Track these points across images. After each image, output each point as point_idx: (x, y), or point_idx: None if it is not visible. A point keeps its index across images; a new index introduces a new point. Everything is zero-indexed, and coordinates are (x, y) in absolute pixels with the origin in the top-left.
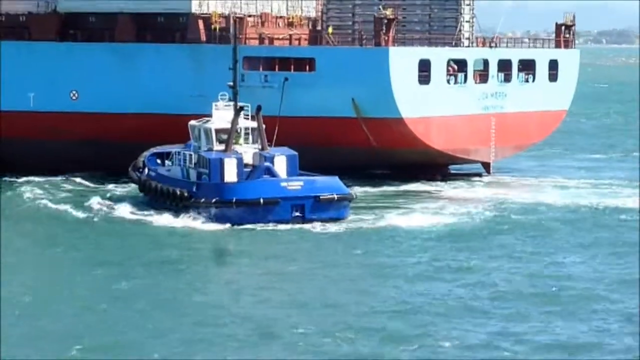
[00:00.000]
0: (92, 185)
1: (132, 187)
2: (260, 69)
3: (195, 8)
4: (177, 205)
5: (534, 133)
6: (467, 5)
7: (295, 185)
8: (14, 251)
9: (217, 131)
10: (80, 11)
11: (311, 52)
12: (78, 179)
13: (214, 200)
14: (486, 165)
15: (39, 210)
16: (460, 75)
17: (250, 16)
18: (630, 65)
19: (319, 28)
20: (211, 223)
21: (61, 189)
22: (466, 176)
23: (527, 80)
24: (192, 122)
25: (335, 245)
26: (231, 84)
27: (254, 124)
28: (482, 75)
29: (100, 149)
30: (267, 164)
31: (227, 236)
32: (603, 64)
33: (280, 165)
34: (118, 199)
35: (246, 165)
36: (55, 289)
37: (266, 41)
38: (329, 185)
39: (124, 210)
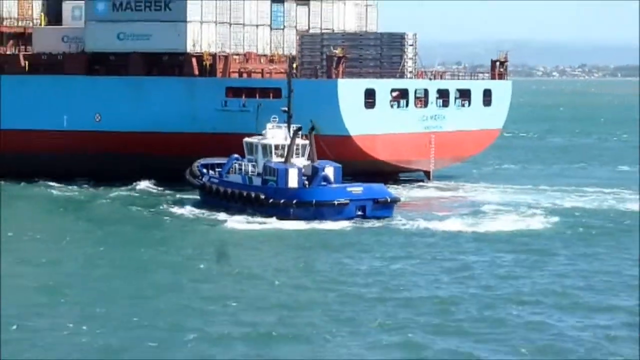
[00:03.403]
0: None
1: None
2: (243, 96)
3: (190, 48)
4: (253, 205)
5: (470, 148)
6: (411, 45)
7: (358, 190)
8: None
9: (276, 147)
10: (102, 51)
11: (278, 83)
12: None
13: (294, 201)
14: (427, 173)
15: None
16: (403, 101)
17: (237, 54)
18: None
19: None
20: (291, 220)
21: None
22: (412, 181)
23: (463, 105)
24: (248, 139)
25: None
26: (285, 108)
27: (306, 142)
28: (423, 101)
29: (118, 160)
30: (324, 173)
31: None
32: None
33: (329, 174)
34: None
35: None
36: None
37: (245, 75)
38: (380, 190)
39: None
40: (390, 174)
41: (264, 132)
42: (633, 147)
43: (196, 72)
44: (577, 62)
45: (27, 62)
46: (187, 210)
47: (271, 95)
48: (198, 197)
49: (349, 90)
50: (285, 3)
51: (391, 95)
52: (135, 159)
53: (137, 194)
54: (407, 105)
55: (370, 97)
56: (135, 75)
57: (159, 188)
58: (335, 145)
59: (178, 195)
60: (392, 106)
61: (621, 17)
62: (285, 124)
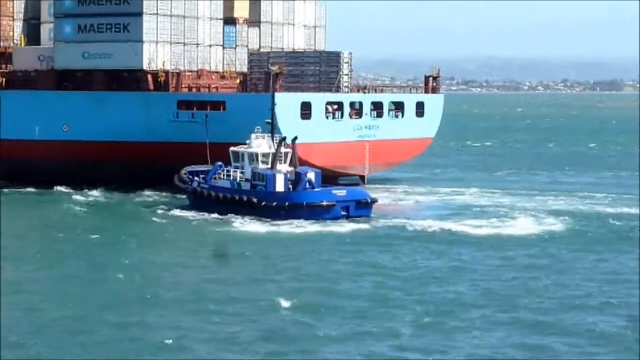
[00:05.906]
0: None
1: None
2: (195, 109)
3: (146, 66)
4: (245, 207)
5: (403, 154)
6: (346, 63)
7: (342, 192)
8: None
9: (261, 155)
10: (70, 68)
11: (222, 97)
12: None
13: (286, 203)
14: (362, 177)
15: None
16: (338, 113)
17: (190, 71)
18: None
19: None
20: (283, 220)
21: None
22: (349, 185)
23: (396, 116)
24: (233, 148)
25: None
26: (269, 120)
27: (289, 150)
28: (358, 113)
29: (85, 167)
30: (307, 177)
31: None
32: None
33: (312, 178)
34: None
35: None
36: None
37: (194, 90)
38: (360, 192)
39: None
40: (329, 178)
41: (248, 141)
42: None
43: (151, 87)
44: (560, 77)
45: (4, 79)
46: (183, 213)
47: (221, 108)
48: (167, 201)
49: (286, 103)
50: (237, 25)
51: (330, 107)
52: (99, 166)
53: (111, 199)
54: (342, 116)
55: (306, 109)
56: (98, 90)
57: (121, 193)
58: None
59: (150, 200)
60: (327, 117)
61: (600, 35)
62: (269, 134)
